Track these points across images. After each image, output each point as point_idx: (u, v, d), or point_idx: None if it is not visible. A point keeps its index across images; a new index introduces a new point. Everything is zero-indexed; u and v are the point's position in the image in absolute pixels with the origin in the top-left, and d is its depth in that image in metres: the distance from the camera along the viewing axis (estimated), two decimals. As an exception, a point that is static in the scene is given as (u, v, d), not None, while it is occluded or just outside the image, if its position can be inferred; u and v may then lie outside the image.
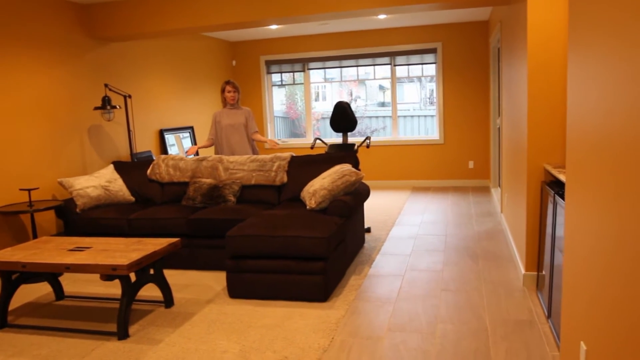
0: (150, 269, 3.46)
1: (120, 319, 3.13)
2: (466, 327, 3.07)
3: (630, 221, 1.43)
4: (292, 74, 8.85)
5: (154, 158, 6.29)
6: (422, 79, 9.87)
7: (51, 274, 3.80)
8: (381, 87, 13.11)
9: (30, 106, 4.76)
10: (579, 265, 2.02)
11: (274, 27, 7.43)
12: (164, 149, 6.70)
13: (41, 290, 4.12)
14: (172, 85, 7.02)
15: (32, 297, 3.96)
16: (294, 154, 4.99)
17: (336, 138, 8.80)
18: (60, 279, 4.41)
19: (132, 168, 5.26)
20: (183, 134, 7.20)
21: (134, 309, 3.60)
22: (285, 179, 4.77)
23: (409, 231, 5.43)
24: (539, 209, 3.57)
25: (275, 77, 8.97)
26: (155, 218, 4.45)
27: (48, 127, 4.95)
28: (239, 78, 8.92)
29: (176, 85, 7.11)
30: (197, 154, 7.34)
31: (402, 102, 12.29)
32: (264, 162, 4.85)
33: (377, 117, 11.87)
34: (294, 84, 9.03)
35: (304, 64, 8.63)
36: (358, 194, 4.41)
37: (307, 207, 4.18)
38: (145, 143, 6.39)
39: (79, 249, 3.42)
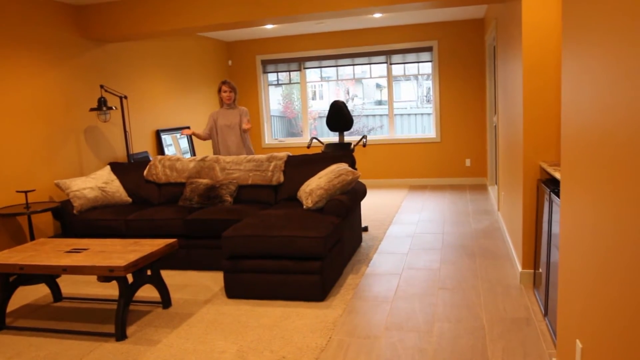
0: (147, 270, 3.47)
1: (118, 320, 3.13)
2: (463, 326, 3.08)
3: (625, 219, 1.44)
4: (288, 73, 8.85)
5: (151, 159, 6.29)
6: (419, 76, 9.88)
7: (49, 276, 3.79)
8: (378, 86, 13.12)
9: (26, 108, 4.76)
10: (575, 264, 2.03)
11: (269, 26, 7.43)
12: (160, 150, 6.70)
13: (39, 291, 4.12)
14: (168, 85, 7.02)
15: (30, 298, 3.96)
16: (291, 154, 4.99)
17: (333, 137, 8.80)
18: (58, 280, 4.41)
19: (129, 169, 5.26)
20: (179, 134, 7.19)
21: (132, 310, 3.60)
22: (281, 179, 4.78)
23: (406, 230, 5.44)
24: (535, 207, 3.58)
25: (272, 77, 8.97)
26: (152, 219, 4.45)
27: (44, 128, 4.95)
28: (235, 78, 8.91)
29: (172, 85, 7.11)
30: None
31: (398, 100, 12.30)
32: (261, 162, 4.85)
33: (374, 115, 11.88)
34: (290, 83, 9.03)
35: (300, 63, 8.63)
36: (355, 193, 4.41)
37: (304, 206, 4.18)
38: (141, 144, 6.38)
39: (76, 251, 3.42)
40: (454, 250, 4.61)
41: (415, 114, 11.69)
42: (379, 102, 12.78)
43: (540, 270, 3.30)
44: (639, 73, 1.30)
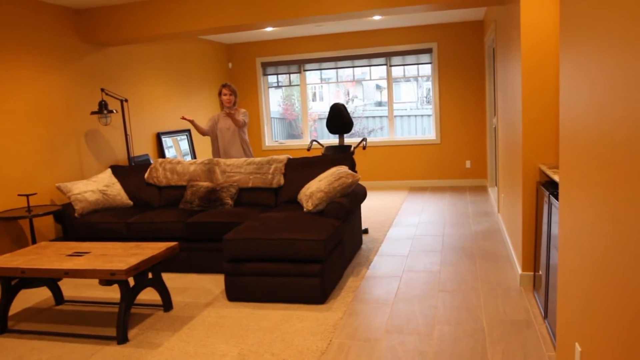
0: (148, 273, 3.48)
1: (120, 324, 3.14)
2: (463, 328, 3.09)
3: (622, 220, 1.45)
4: (288, 75, 8.87)
5: (152, 161, 6.31)
6: (419, 78, 9.90)
7: (50, 279, 3.81)
8: (378, 87, 13.13)
9: (27, 111, 4.77)
10: (573, 267, 2.04)
11: (269, 29, 7.44)
12: (161, 152, 6.71)
13: (41, 295, 4.13)
14: (169, 88, 7.04)
15: (32, 302, 3.98)
16: (291, 157, 5.00)
17: (333, 139, 8.82)
18: (60, 283, 4.42)
19: (130, 172, 5.28)
20: (180, 136, 7.22)
21: (133, 313, 3.62)
22: (282, 182, 4.79)
23: (406, 232, 5.45)
24: (535, 209, 3.59)
25: (272, 79, 8.99)
26: (153, 222, 4.47)
27: (45, 132, 4.96)
28: (235, 80, 8.93)
29: (173, 88, 7.13)
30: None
31: (398, 101, 12.31)
32: (261, 164, 4.87)
33: (374, 117, 11.90)
34: (290, 85, 9.05)
35: (300, 65, 8.65)
36: (355, 195, 4.43)
37: (304, 209, 4.20)
38: (142, 146, 6.40)
39: (78, 254, 3.43)
40: (454, 253, 4.62)
41: (415, 115, 11.70)
42: (379, 103, 12.79)
43: (540, 272, 3.31)
44: (635, 75, 1.31)
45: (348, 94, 11.99)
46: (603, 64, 1.59)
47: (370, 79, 9.03)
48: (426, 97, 11.50)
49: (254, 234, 3.67)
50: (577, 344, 1.97)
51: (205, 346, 3.02)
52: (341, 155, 4.87)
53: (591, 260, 1.78)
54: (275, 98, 10.39)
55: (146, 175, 5.16)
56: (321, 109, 11.99)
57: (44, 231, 4.91)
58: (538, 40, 3.46)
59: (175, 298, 3.86)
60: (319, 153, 8.74)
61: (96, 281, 4.43)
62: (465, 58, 7.91)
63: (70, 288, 4.26)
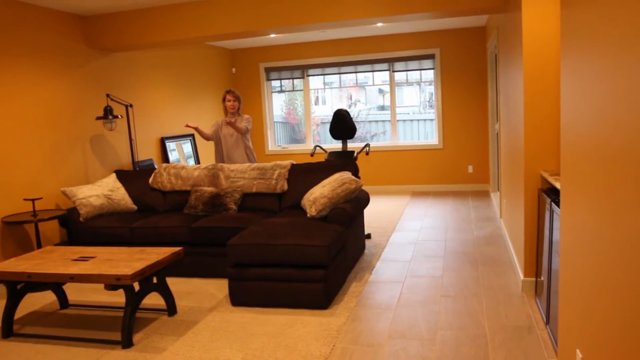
0: (153, 278, 3.51)
1: (125, 328, 3.17)
2: (465, 333, 3.11)
3: (621, 225, 1.48)
4: (291, 80, 8.91)
5: (156, 166, 6.35)
6: (421, 83, 9.93)
7: (55, 283, 3.84)
8: (381, 91, 13.15)
9: (34, 116, 4.82)
10: (574, 274, 2.06)
11: (273, 35, 7.49)
12: (165, 157, 6.75)
13: (45, 298, 4.17)
14: (173, 93, 7.09)
15: (37, 305, 4.01)
16: (294, 162, 5.04)
17: (336, 144, 8.85)
18: (64, 287, 4.45)
19: (134, 177, 5.31)
20: (184, 141, 7.26)
21: (138, 317, 3.65)
22: (285, 187, 4.82)
23: (409, 237, 5.48)
24: (537, 216, 3.61)
25: (275, 84, 9.03)
26: (157, 227, 4.50)
27: (51, 137, 5.01)
28: (239, 85, 8.98)
29: (177, 93, 7.17)
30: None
31: (401, 105, 12.33)
32: (265, 170, 4.90)
33: (376, 121, 11.92)
34: (293, 90, 9.09)
35: (303, 70, 8.69)
36: (358, 201, 4.45)
37: (308, 214, 4.22)
38: (146, 151, 6.44)
39: (83, 259, 3.47)
40: (457, 258, 4.64)
41: (418, 120, 11.72)
42: (382, 107, 12.81)
43: (542, 278, 3.33)
44: (633, 81, 1.34)
45: (350, 98, 12.03)
46: (602, 71, 1.62)
47: (373, 84, 9.07)
48: (429, 101, 11.52)
49: (258, 240, 3.70)
50: (578, 351, 1.99)
51: (210, 351, 3.05)
52: (344, 161, 4.90)
53: (590, 265, 1.80)
54: (278, 102, 10.43)
55: (150, 180, 5.20)
56: (323, 112, 12.02)
57: (49, 235, 4.95)
58: (539, 48, 3.49)
59: (179, 302, 3.89)
60: (322, 158, 8.77)
61: (100, 285, 4.46)
62: (468, 64, 7.94)
63: (74, 292, 4.29)
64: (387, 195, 8.10)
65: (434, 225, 5.94)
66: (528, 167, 3.60)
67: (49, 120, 5.00)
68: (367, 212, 6.90)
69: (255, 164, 4.99)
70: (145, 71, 6.47)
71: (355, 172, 4.79)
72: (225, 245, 4.38)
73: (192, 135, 7.45)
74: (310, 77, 8.75)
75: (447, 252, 4.83)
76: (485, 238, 5.26)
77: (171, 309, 3.65)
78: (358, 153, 5.61)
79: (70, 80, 5.27)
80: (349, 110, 7.55)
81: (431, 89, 9.88)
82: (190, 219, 4.58)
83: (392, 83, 8.40)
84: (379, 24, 6.99)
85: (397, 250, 4.98)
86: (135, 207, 5.11)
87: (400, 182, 8.43)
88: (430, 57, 8.08)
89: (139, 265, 3.22)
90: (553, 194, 3.16)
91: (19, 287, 3.59)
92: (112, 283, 3.11)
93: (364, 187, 8.35)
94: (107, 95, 5.45)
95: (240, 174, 4.94)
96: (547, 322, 3.08)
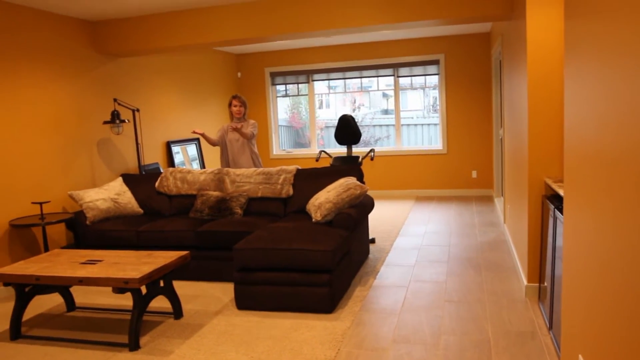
0: (160, 281, 3.55)
1: (132, 331, 3.21)
2: (469, 339, 3.13)
3: (622, 230, 1.51)
4: (296, 85, 8.96)
5: (162, 170, 6.40)
6: (426, 88, 9.97)
7: (62, 285, 3.88)
8: (384, 95, 13.18)
9: (42, 120, 4.88)
10: (576, 279, 2.09)
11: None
12: (170, 160, 6.81)
13: (52, 301, 4.21)
14: (179, 97, 7.14)
15: (44, 307, 4.05)
16: (300, 167, 5.07)
17: (340, 149, 8.89)
18: (71, 289, 4.50)
19: (141, 180, 5.36)
20: (189, 145, 7.31)
21: (144, 320, 3.68)
22: (291, 192, 4.86)
23: (413, 242, 5.50)
24: (540, 222, 3.64)
25: (280, 88, 9.08)
26: (163, 230, 4.54)
27: (59, 141, 5.06)
28: (244, 89, 9.04)
29: (183, 97, 7.23)
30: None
31: (405, 109, 12.36)
32: (270, 175, 4.94)
33: (380, 125, 11.95)
34: (298, 94, 9.14)
35: (308, 75, 8.74)
36: (363, 206, 4.49)
37: (313, 219, 4.26)
38: (152, 155, 6.49)
39: (91, 262, 3.51)
40: (460, 263, 4.67)
41: (422, 124, 11.74)
42: (385, 111, 12.85)
43: (546, 284, 3.35)
44: (635, 87, 1.37)
45: (355, 102, 12.07)
46: (604, 78, 1.66)
47: (378, 89, 9.11)
48: (433, 106, 11.55)
49: (264, 244, 3.73)
50: (580, 356, 2.01)
51: (216, 354, 3.08)
52: (349, 166, 4.94)
53: (593, 271, 1.83)
54: (282, 106, 10.48)
55: (157, 184, 5.24)
56: (328, 116, 12.06)
57: (56, 238, 5.00)
58: (543, 55, 3.52)
59: (185, 306, 3.93)
60: (327, 163, 8.81)
61: (107, 288, 4.50)
62: (472, 69, 7.97)
63: (81, 295, 4.33)
64: (391, 200, 8.13)
65: (438, 230, 5.97)
66: (532, 173, 3.62)
67: (57, 124, 5.05)
68: (372, 216, 6.93)
69: (260, 169, 5.03)
70: (151, 76, 6.53)
71: (360, 178, 4.82)
72: (230, 249, 4.41)
73: (197, 140, 7.51)
74: (315, 82, 8.80)
75: (450, 257, 4.85)
76: (489, 243, 5.28)
77: (177, 312, 3.68)
78: (363, 158, 5.64)
79: (78, 85, 5.33)
80: (353, 114, 7.59)
81: (435, 93, 9.91)
82: (196, 223, 4.62)
83: (397, 88, 8.44)
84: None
85: (401, 255, 5.01)
86: (141, 210, 5.16)
87: (404, 186, 8.46)
88: (435, 62, 8.12)
89: (147, 269, 3.26)
90: (557, 200, 3.19)
91: (27, 289, 3.64)
92: (120, 286, 3.15)
93: (368, 192, 8.38)
94: (115, 100, 5.51)
95: (246, 179, 4.98)
96: (550, 328, 3.10)
